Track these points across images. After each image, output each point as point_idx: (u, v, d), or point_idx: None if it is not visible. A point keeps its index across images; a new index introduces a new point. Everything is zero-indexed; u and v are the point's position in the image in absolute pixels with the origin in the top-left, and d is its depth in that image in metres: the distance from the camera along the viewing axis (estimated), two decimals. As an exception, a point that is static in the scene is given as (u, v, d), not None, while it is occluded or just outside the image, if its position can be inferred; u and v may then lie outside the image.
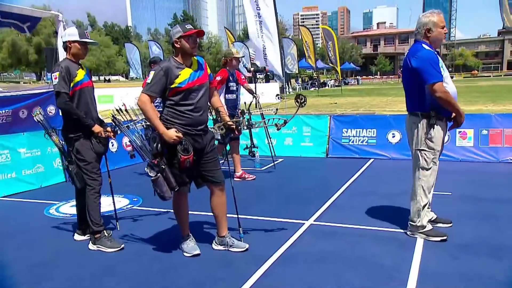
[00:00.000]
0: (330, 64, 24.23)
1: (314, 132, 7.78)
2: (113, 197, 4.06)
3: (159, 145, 3.27)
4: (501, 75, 61.86)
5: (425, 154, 3.42)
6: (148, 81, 3.24)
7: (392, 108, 14.96)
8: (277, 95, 8.97)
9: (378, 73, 70.54)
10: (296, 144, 7.87)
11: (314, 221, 4.16)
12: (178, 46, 3.26)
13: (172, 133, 3.22)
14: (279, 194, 5.27)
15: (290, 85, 29.42)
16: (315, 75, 38.79)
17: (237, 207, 3.65)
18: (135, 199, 5.23)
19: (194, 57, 3.38)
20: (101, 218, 3.67)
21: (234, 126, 3.58)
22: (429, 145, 3.40)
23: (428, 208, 3.60)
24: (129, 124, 3.56)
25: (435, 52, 3.30)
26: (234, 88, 5.89)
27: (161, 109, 3.36)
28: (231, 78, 5.81)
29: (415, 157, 3.49)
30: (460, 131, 6.71)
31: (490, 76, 61.17)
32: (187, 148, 3.25)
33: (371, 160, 7.10)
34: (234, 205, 3.65)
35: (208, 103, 3.55)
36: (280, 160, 7.25)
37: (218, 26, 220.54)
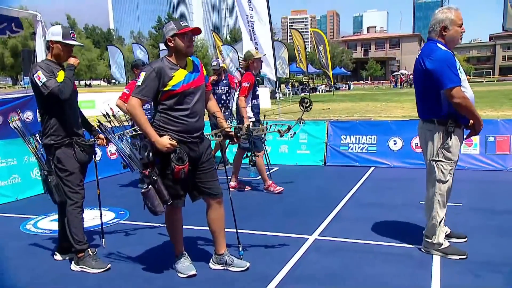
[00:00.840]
0: (322, 69, 24.23)
1: (311, 139, 7.62)
2: (100, 211, 3.81)
3: (151, 154, 3.05)
4: (493, 81, 62.92)
5: (441, 165, 3.25)
6: (139, 83, 3.02)
7: (388, 114, 14.93)
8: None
9: (369, 78, 71.13)
10: (292, 152, 7.69)
11: (318, 235, 3.97)
12: (172, 45, 3.07)
13: (165, 141, 3.01)
14: (278, 206, 5.08)
15: (280, 90, 29.40)
16: (306, 80, 38.85)
17: (235, 220, 3.44)
18: (122, 212, 4.98)
19: (189, 57, 3.19)
20: (84, 235, 3.42)
21: (232, 133, 3.39)
22: (446, 155, 3.23)
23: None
24: (119, 133, 3.32)
25: (452, 53, 3.15)
26: (258, 92, 5.81)
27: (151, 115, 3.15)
28: (256, 82, 5.72)
29: (430, 168, 3.32)
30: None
31: (482, 81, 62.11)
32: (182, 157, 3.05)
33: (372, 168, 6.96)
34: (232, 219, 3.45)
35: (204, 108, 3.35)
36: (276, 168, 7.05)
37: (204, 29, 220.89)
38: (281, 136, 3.33)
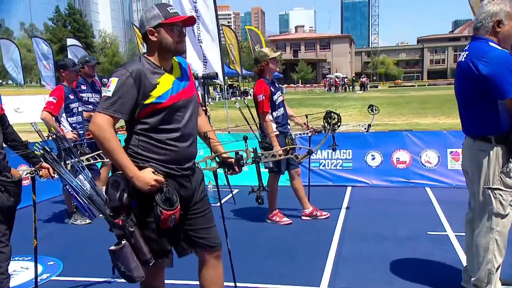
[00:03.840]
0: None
1: (274, 155, 7.12)
2: (36, 268, 2.96)
3: (125, 194, 2.33)
4: (425, 85, 67.72)
5: (500, 194, 2.88)
6: (108, 93, 2.30)
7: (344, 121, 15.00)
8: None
9: (300, 81, 73.08)
10: (254, 170, 7.11)
11: (329, 287, 3.46)
12: (155, 39, 2.40)
13: (148, 176, 2.33)
14: (265, 243, 4.51)
15: (209, 94, 28.81)
16: (236, 83, 38.63)
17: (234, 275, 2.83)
18: (52, 262, 4.09)
19: (174, 57, 2.53)
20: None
21: (232, 160, 2.77)
22: (506, 182, 2.87)
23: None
24: (72, 162, 2.52)
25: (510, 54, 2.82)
26: (281, 99, 5.02)
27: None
28: (272, 89, 4.91)
29: (485, 199, 2.93)
30: (452, 151, 6.56)
31: (414, 85, 66.59)
32: (170, 198, 2.38)
33: (349, 188, 6.64)
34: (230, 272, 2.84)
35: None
36: (236, 190, 6.45)
37: (113, 23, 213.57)
38: (299, 163, 2.81)
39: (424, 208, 5.52)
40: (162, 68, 2.44)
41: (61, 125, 5.09)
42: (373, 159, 6.85)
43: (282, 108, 5.01)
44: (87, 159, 3.04)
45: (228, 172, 2.80)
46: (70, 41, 20.08)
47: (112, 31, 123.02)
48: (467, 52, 2.94)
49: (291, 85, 65.24)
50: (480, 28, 2.91)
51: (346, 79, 54.62)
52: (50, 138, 3.02)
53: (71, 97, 5.19)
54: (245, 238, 4.72)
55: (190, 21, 2.45)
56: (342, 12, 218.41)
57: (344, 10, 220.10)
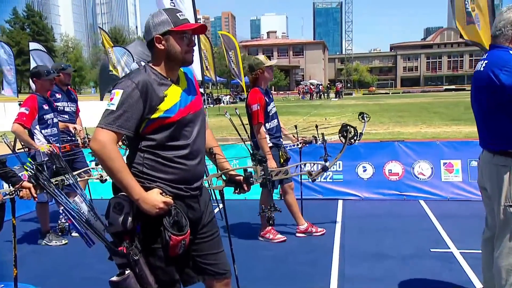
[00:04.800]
0: (233, 77, 23.96)
1: (261, 167, 7.00)
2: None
3: (130, 218, 2.17)
4: (399, 92, 69.19)
5: (522, 212, 2.84)
6: (112, 107, 2.14)
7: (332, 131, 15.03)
8: None
9: (273, 88, 73.44)
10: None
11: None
12: (162, 47, 2.26)
13: (155, 198, 2.18)
14: (250, 263, 4.35)
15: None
16: (208, 89, 38.35)
17: None
18: (27, 292, 3.81)
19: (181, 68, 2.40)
20: None
21: (241, 178, 2.63)
22: (529, 199, 2.83)
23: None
24: (71, 182, 2.31)
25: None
26: (274, 110, 4.95)
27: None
28: (267, 99, 4.81)
29: (505, 217, 2.86)
30: (446, 163, 6.58)
31: (388, 93, 67.94)
32: (179, 222, 2.23)
33: (340, 202, 6.57)
34: None
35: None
36: (221, 205, 6.28)
37: (75, 27, 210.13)
38: (312, 180, 2.70)
39: (421, 223, 5.48)
40: (169, 79, 2.30)
41: (34, 138, 4.82)
42: (365, 171, 6.81)
43: (275, 120, 4.93)
44: (65, 179, 2.80)
45: (236, 191, 2.66)
46: (32, 45, 19.33)
47: (75, 35, 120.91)
48: (486, 61, 2.90)
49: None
50: (499, 36, 2.88)
51: (321, 86, 55.20)
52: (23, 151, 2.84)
53: (45, 107, 4.93)
54: (237, 259, 4.54)
55: (202, 29, 2.32)
56: (314, 18, 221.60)
57: (317, 16, 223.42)
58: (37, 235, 5.25)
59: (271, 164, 4.53)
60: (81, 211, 2.23)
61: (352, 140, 2.77)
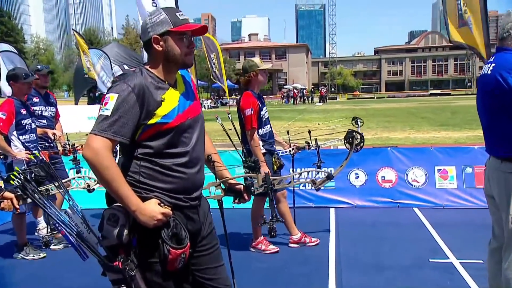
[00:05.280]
0: (215, 81, 23.87)
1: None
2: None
3: (125, 231, 2.09)
4: (384, 97, 70.02)
5: (532, 222, 2.83)
6: (106, 112, 2.07)
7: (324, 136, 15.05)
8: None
9: (255, 92, 73.56)
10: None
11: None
12: (160, 48, 2.21)
13: (153, 209, 2.11)
14: (242, 277, 4.27)
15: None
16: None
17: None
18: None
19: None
20: None
21: (241, 187, 2.57)
22: (537, 207, 2.82)
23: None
24: (66, 195, 2.21)
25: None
26: (267, 115, 4.91)
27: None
28: (259, 104, 4.76)
29: (513, 225, 2.87)
30: (440, 169, 6.62)
31: (373, 97, 68.71)
32: (178, 234, 2.16)
33: (332, 210, 6.55)
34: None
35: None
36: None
37: (47, 27, 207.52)
38: (316, 189, 2.66)
39: (417, 231, 5.49)
40: (166, 82, 2.23)
41: (11, 145, 4.67)
42: (357, 178, 6.81)
43: (268, 125, 4.90)
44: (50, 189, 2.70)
45: (236, 201, 2.60)
46: (2, 46, 19.09)
47: (46, 36, 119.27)
48: (493, 64, 2.90)
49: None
50: (507, 38, 2.89)
51: (304, 91, 55.51)
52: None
53: (23, 112, 4.79)
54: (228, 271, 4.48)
55: (203, 30, 2.26)
56: (297, 20, 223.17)
57: (299, 19, 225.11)
58: (13, 248, 5.08)
59: (265, 171, 4.48)
60: (73, 223, 2.14)
61: (359, 147, 2.73)
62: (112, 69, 19.47)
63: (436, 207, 6.45)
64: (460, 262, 4.40)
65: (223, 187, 2.61)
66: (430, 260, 4.54)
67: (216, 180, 2.59)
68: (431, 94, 70.32)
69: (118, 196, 2.07)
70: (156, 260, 2.15)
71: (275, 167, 4.78)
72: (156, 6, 8.86)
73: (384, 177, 6.73)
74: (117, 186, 2.05)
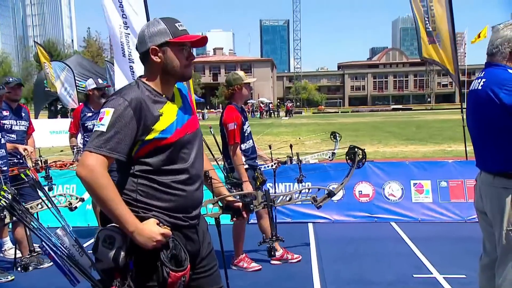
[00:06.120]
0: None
1: (226, 190, 6.85)
2: None
3: (122, 253, 1.98)
4: (348, 111, 71.15)
5: (524, 236, 2.85)
6: (102, 127, 1.97)
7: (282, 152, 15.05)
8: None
9: (220, 105, 73.54)
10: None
11: None
12: (158, 60, 2.13)
13: (152, 229, 2.01)
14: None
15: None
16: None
17: None
18: None
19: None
20: None
21: (240, 205, 2.50)
22: (534, 223, 2.85)
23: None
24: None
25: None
26: (249, 130, 4.87)
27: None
28: (242, 119, 4.70)
29: (508, 242, 2.87)
30: (416, 183, 6.70)
31: (338, 112, 69.71)
32: (178, 256, 2.07)
33: (310, 225, 6.52)
34: None
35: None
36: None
37: (3, 39, 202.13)
38: (318, 207, 2.63)
39: (397, 246, 5.50)
40: (164, 95, 2.15)
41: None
42: (319, 195, 6.78)
43: (251, 140, 4.87)
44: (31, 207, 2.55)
45: (234, 219, 2.51)
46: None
47: (3, 48, 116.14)
48: (483, 80, 2.94)
49: (211, 110, 65.43)
50: (496, 54, 2.94)
51: (271, 105, 55.83)
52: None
53: (-7, 127, 4.58)
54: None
55: (202, 41, 2.20)
56: (261, 35, 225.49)
57: (264, 34, 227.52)
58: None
59: (247, 188, 4.42)
60: (64, 245, 2.01)
61: (361, 163, 2.71)
62: (75, 82, 19.07)
63: (413, 221, 6.51)
64: (443, 277, 4.43)
65: (221, 205, 2.53)
66: (414, 275, 4.54)
67: (213, 197, 2.50)
68: (394, 109, 71.90)
69: (115, 216, 1.96)
70: (154, 284, 2.05)
71: (258, 183, 4.72)
72: (122, 7, 8.68)
73: (361, 191, 6.77)
74: (114, 206, 1.95)
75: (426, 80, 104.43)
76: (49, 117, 30.99)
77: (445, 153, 13.32)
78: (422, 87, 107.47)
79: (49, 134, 18.73)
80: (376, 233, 6.11)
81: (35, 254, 4.01)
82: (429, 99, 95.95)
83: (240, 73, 4.86)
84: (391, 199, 6.69)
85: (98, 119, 2.01)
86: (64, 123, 21.36)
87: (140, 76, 2.21)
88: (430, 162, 7.41)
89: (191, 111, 2.31)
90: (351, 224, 6.57)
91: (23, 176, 3.56)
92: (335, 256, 5.22)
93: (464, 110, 8.67)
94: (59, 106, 35.39)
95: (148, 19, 8.96)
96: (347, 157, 2.78)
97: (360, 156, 2.73)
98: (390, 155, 13.04)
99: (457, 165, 6.75)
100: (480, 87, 2.94)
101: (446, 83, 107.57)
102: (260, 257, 5.11)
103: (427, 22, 8.11)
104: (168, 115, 2.12)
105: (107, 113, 1.99)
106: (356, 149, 2.74)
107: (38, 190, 2.10)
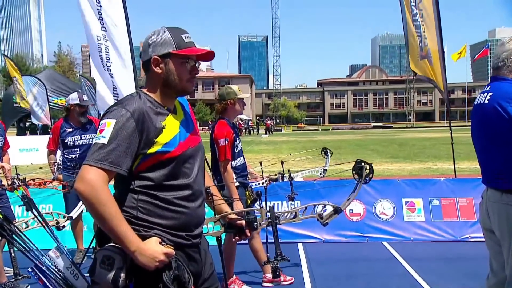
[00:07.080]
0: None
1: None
2: None
3: (123, 275, 1.89)
4: (328, 129, 71.82)
5: (537, 257, 2.84)
6: (103, 140, 1.90)
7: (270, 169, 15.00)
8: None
9: (198, 123, 73.40)
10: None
11: None
12: (159, 71, 2.09)
13: (155, 249, 1.93)
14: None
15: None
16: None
17: None
18: None
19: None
20: None
21: (243, 223, 2.42)
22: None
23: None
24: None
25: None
26: (240, 146, 4.81)
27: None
28: (234, 135, 4.65)
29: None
30: (407, 202, 6.70)
31: (318, 129, 70.32)
32: (180, 277, 1.98)
33: (300, 245, 6.45)
34: None
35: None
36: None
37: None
38: (324, 224, 2.56)
39: (392, 266, 5.47)
40: (166, 107, 2.09)
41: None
42: (325, 211, 6.73)
43: (242, 157, 4.81)
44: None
45: (236, 238, 2.43)
46: None
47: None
48: (490, 94, 2.95)
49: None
50: (502, 68, 2.95)
51: (250, 122, 55.97)
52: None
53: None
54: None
55: (208, 56, 2.15)
56: (239, 51, 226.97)
57: (242, 50, 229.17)
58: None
59: (238, 206, 4.34)
60: (57, 268, 1.89)
61: (368, 179, 2.67)
62: (47, 97, 18.73)
63: (405, 240, 6.49)
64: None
65: (222, 223, 2.44)
66: (409, 294, 4.50)
67: (214, 215, 2.42)
68: (374, 127, 72.87)
69: (116, 235, 1.87)
70: (156, 309, 1.94)
71: (249, 201, 4.64)
72: (105, 31, 8.60)
73: (352, 210, 6.73)
74: (116, 224, 1.86)
75: (406, 98, 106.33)
76: (17, 134, 30.33)
77: (432, 171, 13.45)
78: (402, 104, 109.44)
79: (19, 152, 18.27)
80: (368, 253, 6.06)
81: (20, 278, 3.83)
82: (409, 117, 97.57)
83: (234, 87, 4.81)
84: (383, 217, 6.67)
85: (98, 131, 1.93)
86: (34, 141, 20.93)
87: (141, 87, 2.15)
88: (421, 179, 7.44)
89: (193, 125, 2.24)
90: (342, 244, 6.51)
91: (17, 193, 3.40)
92: (328, 277, 5.16)
93: (452, 127, 8.89)
94: (28, 123, 34.76)
95: (129, 31, 8.89)
96: (353, 172, 2.73)
97: (367, 171, 2.69)
98: (376, 173, 12.99)
99: (449, 182, 6.78)
100: (486, 101, 2.94)
101: (426, 101, 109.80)
102: (251, 279, 5.01)
103: (420, 36, 8.24)
104: (171, 128, 2.06)
105: (108, 125, 1.92)
106: (363, 164, 2.69)
107: (32, 208, 1.99)
